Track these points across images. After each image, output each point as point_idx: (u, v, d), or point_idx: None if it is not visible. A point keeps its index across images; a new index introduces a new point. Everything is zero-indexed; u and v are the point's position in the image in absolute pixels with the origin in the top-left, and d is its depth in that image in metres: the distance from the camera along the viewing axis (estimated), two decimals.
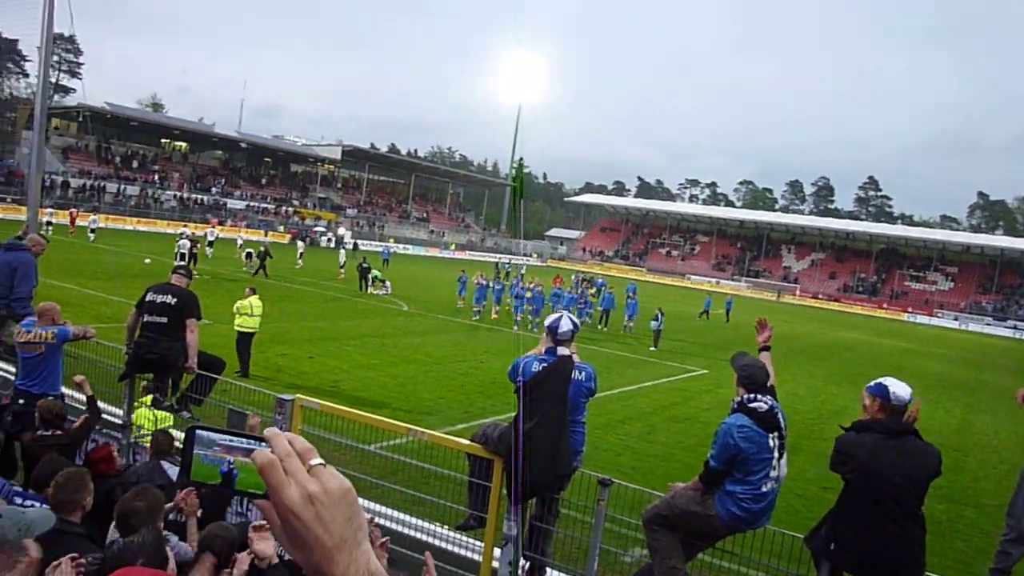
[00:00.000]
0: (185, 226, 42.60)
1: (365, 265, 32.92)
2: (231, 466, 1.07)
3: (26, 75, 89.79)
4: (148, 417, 6.98)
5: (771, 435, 4.39)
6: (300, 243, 42.45)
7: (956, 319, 77.36)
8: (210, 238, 39.28)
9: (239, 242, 42.53)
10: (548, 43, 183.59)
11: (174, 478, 5.30)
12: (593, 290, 36.14)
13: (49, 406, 5.70)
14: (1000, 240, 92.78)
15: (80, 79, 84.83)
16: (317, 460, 0.97)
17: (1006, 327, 73.87)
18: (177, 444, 5.98)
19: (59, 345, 6.49)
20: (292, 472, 0.94)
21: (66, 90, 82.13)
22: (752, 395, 4.51)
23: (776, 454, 4.42)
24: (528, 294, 27.08)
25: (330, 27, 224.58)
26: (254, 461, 0.95)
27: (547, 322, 5.09)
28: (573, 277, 43.44)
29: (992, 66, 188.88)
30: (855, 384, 23.62)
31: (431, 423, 11.93)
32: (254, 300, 14.67)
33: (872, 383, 4.40)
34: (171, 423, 7.25)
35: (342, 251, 41.83)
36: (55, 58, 77.55)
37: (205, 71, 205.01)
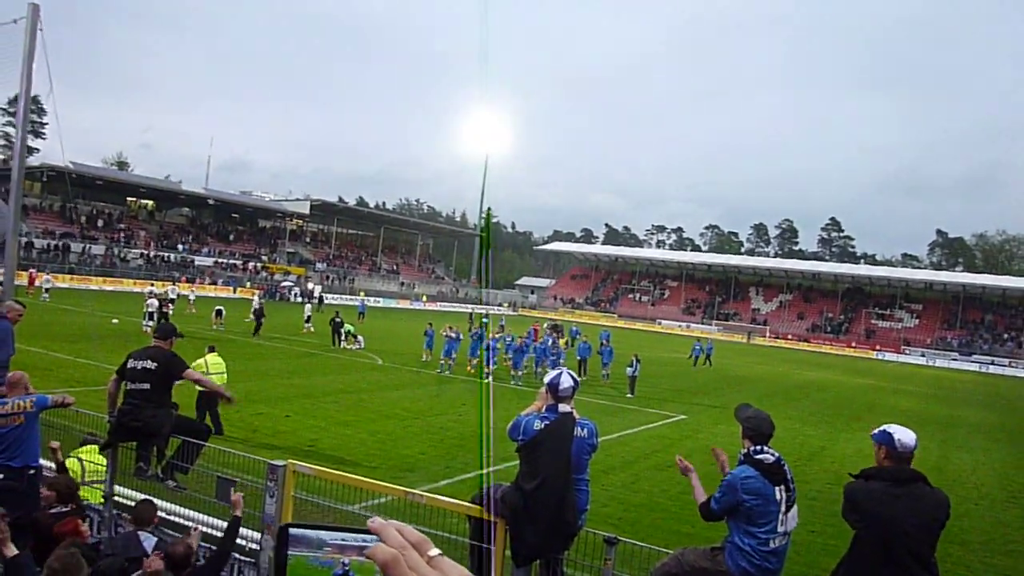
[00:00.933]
0: (152, 285, 42.56)
1: (337, 320, 32.68)
2: (346, 568, 1.00)
3: None
4: (75, 470, 6.84)
5: (777, 488, 4.37)
6: (308, 305, 41.66)
7: (923, 355, 78.50)
8: (171, 295, 38.81)
9: (191, 298, 42.68)
10: (513, 93, 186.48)
11: (150, 550, 5.13)
12: (564, 339, 35.87)
13: (66, 482, 5.56)
14: (961, 277, 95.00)
15: (44, 139, 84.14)
16: (435, 551, 0.92)
17: (972, 362, 75.13)
18: (161, 514, 5.82)
19: (37, 414, 6.29)
20: (413, 566, 0.89)
21: (30, 150, 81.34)
22: (758, 447, 4.49)
23: (783, 507, 4.39)
24: (500, 345, 27.28)
25: (294, 81, 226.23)
26: (373, 559, 0.89)
27: (547, 379, 5.04)
28: (545, 326, 43.56)
29: (939, 108, 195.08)
30: (831, 424, 23.78)
31: (413, 480, 11.75)
32: (211, 358, 14.50)
33: (876, 431, 4.41)
34: (96, 459, 7.06)
35: (307, 305, 41.78)
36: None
37: (170, 128, 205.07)
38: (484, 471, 11.95)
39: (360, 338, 32.10)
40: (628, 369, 25.95)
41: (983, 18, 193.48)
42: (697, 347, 43.65)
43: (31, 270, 46.24)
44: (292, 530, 1.03)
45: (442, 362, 26.65)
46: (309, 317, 38.07)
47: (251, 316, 34.22)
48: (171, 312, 33.61)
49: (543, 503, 4.55)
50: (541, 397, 5.22)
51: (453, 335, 27.01)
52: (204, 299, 47.32)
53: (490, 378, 25.84)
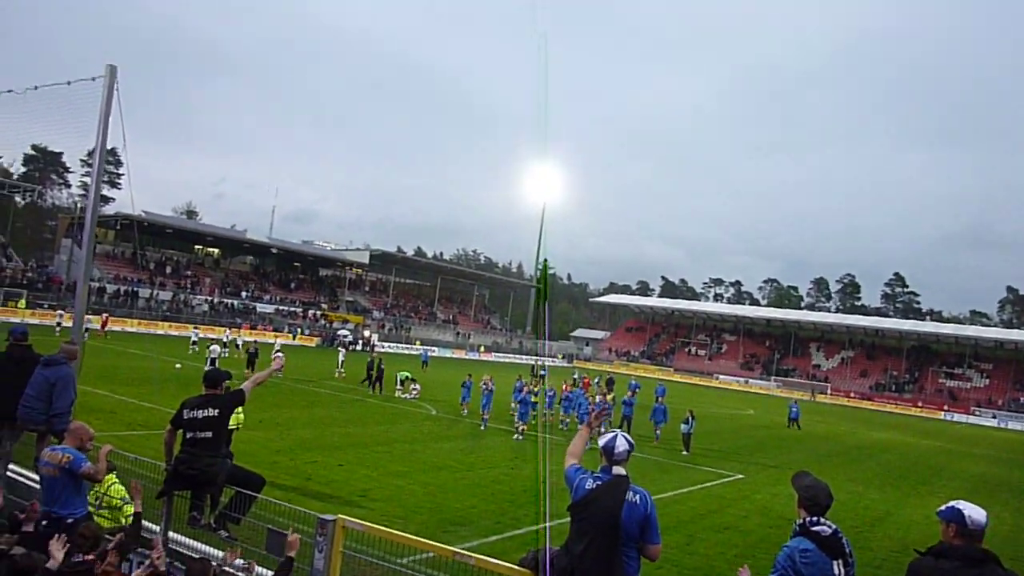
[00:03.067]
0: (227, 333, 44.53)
1: (381, 366, 33.39)
2: None
3: (68, 185, 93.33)
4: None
5: (835, 561, 4.20)
6: (342, 350, 42.62)
7: (995, 416, 75.36)
8: (237, 341, 40.24)
9: (239, 343, 44.32)
10: (572, 144, 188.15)
11: None
12: (611, 395, 32.98)
13: (87, 529, 5.60)
14: None
15: (119, 188, 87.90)
16: None
17: None
18: (214, 563, 5.85)
19: (70, 472, 6.31)
20: None
21: (105, 199, 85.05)
22: (815, 518, 4.34)
23: None
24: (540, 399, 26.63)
25: (360, 132, 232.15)
26: None
27: (601, 442, 4.98)
28: (596, 381, 43.08)
29: (1008, 160, 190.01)
30: (897, 488, 22.89)
31: (463, 534, 11.65)
32: None
33: (944, 507, 4.22)
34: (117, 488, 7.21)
35: (341, 351, 42.47)
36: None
37: (240, 179, 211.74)
38: (539, 527, 11.81)
39: (418, 386, 32.31)
40: (683, 426, 25.49)
41: None
42: (794, 408, 41.69)
43: (104, 314, 47.96)
44: None
45: (484, 416, 25.42)
46: (342, 362, 39.26)
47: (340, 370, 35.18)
48: (220, 357, 34.15)
49: (589, 566, 4.46)
50: (580, 436, 5.24)
51: (491, 387, 25.80)
52: (266, 345, 48.27)
53: (546, 433, 25.52)
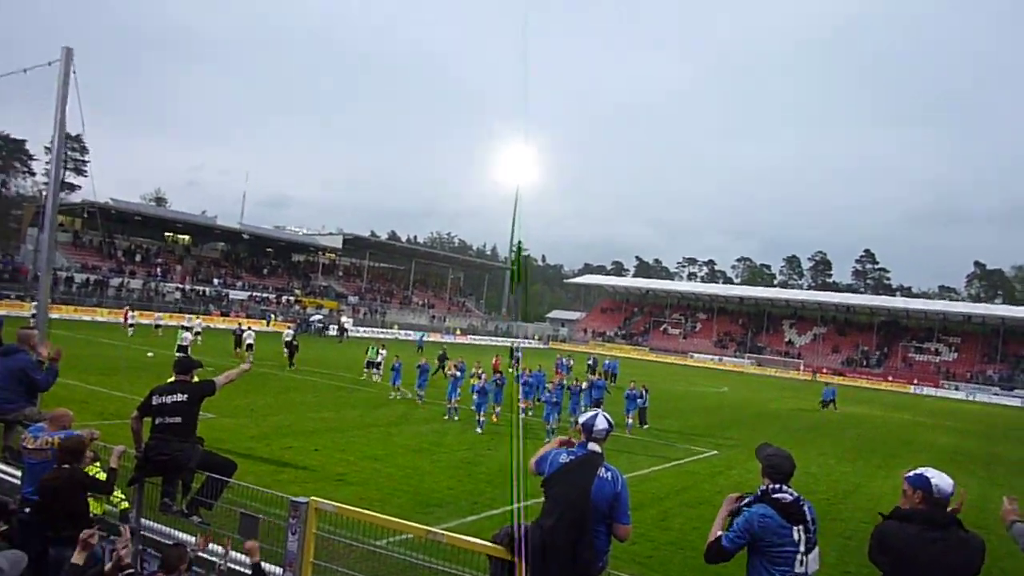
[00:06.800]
0: (188, 318, 43.99)
1: (294, 343, 33.70)
2: None
3: (32, 173, 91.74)
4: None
5: (796, 527, 4.28)
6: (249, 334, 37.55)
7: (958, 388, 77.00)
8: (197, 329, 39.60)
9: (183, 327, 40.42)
10: (546, 126, 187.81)
11: None
12: (596, 376, 32.80)
13: (69, 441, 5.72)
14: (1001, 309, 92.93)
15: (85, 176, 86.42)
16: None
17: (1013, 397, 73.25)
18: (198, 552, 5.82)
19: None
20: None
21: (71, 187, 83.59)
22: (777, 485, 4.42)
23: (803, 548, 4.29)
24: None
25: (332, 117, 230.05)
26: None
27: (581, 420, 5.03)
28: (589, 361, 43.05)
29: (975, 140, 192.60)
30: (867, 460, 23.30)
31: (440, 515, 11.69)
32: None
33: (912, 473, 4.31)
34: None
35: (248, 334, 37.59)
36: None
37: (209, 165, 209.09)
38: (513, 507, 11.87)
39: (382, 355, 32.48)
40: (639, 401, 25.44)
41: (1021, 50, 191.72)
42: (828, 392, 42.50)
43: (126, 308, 48.37)
44: None
45: (448, 406, 23.70)
46: (250, 345, 35.67)
47: (284, 349, 34.52)
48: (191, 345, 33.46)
49: (560, 540, 4.51)
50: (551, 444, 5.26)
51: (458, 374, 24.58)
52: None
53: (523, 414, 25.36)
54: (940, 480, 4.18)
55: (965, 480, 21.07)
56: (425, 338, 58.85)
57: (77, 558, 4.97)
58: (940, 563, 3.98)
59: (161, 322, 46.55)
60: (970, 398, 73.48)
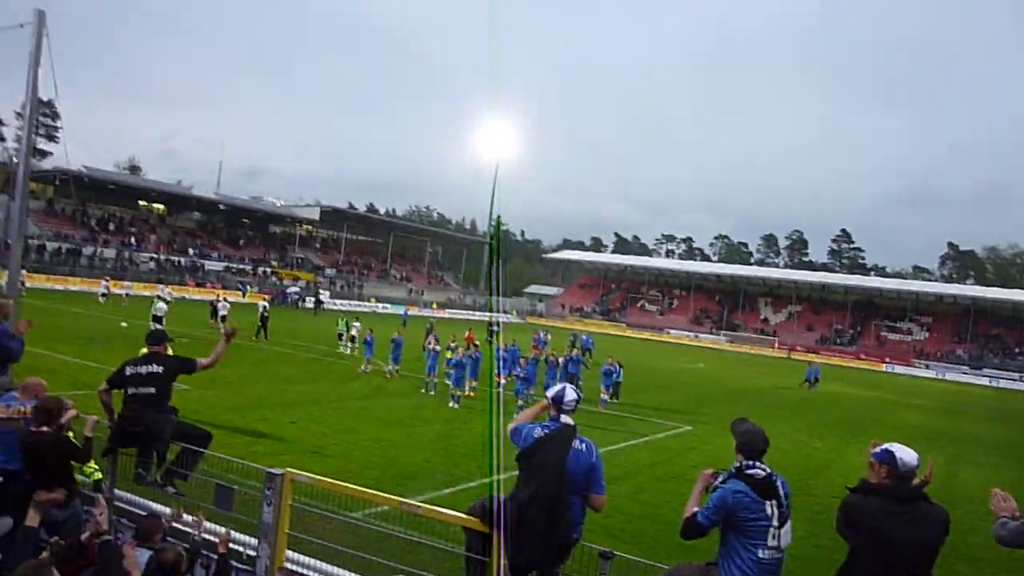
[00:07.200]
0: (161, 288, 43.53)
1: (266, 314, 33.71)
2: None
3: (2, 139, 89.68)
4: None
5: (769, 502, 4.34)
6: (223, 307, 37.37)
7: (928, 367, 78.17)
8: (167, 298, 39.07)
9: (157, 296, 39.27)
10: (524, 101, 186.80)
11: (143, 565, 4.76)
12: (576, 351, 31.78)
13: (47, 401, 5.69)
14: (972, 290, 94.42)
15: (57, 143, 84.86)
16: None
17: (982, 376, 74.64)
18: (172, 524, 5.79)
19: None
20: None
21: (43, 154, 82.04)
22: (750, 462, 4.47)
23: (776, 522, 4.36)
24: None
25: (310, 88, 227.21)
26: None
27: (550, 393, 5.04)
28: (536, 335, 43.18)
29: (951, 122, 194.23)
30: (839, 437, 23.64)
31: (416, 487, 11.72)
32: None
33: (877, 449, 4.38)
34: None
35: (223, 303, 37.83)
36: None
37: (189, 135, 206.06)
38: (491, 479, 11.95)
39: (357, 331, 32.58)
40: (614, 376, 25.57)
41: (994, 33, 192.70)
42: (810, 371, 43.60)
43: (105, 278, 48.68)
44: None
45: (426, 380, 23.66)
46: (224, 317, 35.16)
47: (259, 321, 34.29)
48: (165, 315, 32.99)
49: (535, 512, 4.54)
50: (531, 410, 5.27)
51: (436, 349, 24.54)
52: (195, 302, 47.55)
53: (501, 388, 25.40)
54: (904, 454, 4.25)
55: (933, 457, 21.42)
56: (409, 313, 58.68)
57: (33, 520, 4.97)
58: (905, 536, 4.05)
59: (130, 291, 46.55)
60: (940, 376, 74.70)
